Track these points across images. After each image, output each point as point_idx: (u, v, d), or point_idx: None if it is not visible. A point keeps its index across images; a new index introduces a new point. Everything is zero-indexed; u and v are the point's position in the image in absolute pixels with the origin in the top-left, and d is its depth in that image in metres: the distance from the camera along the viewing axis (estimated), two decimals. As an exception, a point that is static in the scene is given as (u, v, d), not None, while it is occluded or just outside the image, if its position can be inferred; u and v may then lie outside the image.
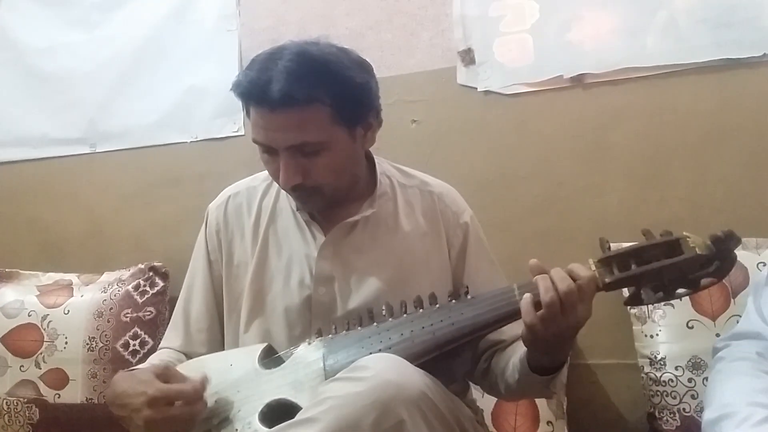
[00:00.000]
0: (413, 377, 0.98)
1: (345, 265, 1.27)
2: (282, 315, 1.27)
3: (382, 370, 0.96)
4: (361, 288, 1.25)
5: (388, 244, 1.29)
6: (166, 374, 1.12)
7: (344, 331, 1.15)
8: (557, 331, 1.03)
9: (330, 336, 1.15)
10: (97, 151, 2.32)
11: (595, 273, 1.04)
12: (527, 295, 1.04)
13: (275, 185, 1.36)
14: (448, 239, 1.32)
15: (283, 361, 1.15)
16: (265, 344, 1.20)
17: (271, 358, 1.18)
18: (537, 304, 1.03)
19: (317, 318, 1.25)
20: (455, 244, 1.32)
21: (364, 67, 1.23)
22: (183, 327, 1.37)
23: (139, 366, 1.26)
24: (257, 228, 1.34)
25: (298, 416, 0.98)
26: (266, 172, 1.35)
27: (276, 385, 1.10)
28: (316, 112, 1.14)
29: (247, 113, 1.22)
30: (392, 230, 1.30)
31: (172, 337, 1.38)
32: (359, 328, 1.14)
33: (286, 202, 1.34)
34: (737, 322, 1.53)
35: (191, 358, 1.32)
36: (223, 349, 1.35)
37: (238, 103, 2.08)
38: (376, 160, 1.36)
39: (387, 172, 1.37)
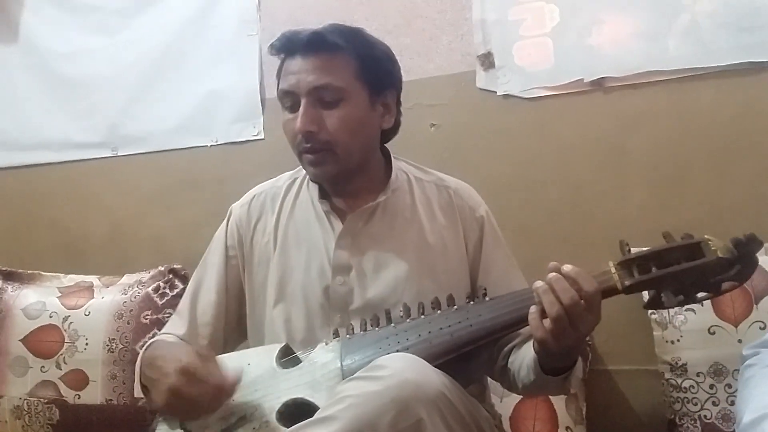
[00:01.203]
0: (431, 377, 0.97)
1: (362, 254, 1.29)
2: (303, 305, 1.28)
3: (401, 369, 0.96)
4: (378, 278, 1.27)
5: (405, 235, 1.30)
6: (207, 356, 1.11)
7: (361, 332, 1.15)
8: (569, 343, 1.02)
9: (348, 336, 1.16)
10: (118, 154, 2.35)
11: (614, 277, 1.03)
12: (533, 309, 1.03)
13: (297, 182, 1.40)
14: (465, 233, 1.33)
15: (301, 361, 1.16)
16: (283, 344, 1.21)
17: (288, 357, 1.18)
18: (543, 313, 1.02)
19: (335, 308, 1.26)
20: (472, 237, 1.33)
21: (391, 53, 1.35)
22: (188, 317, 1.37)
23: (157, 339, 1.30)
24: (278, 223, 1.36)
25: (317, 415, 0.98)
26: (291, 172, 1.42)
27: (293, 385, 1.11)
28: (342, 60, 1.25)
29: (279, 76, 1.30)
30: (409, 221, 1.32)
31: (177, 325, 1.38)
32: (376, 329, 1.14)
33: (307, 195, 1.37)
34: (760, 329, 1.52)
35: None
36: (226, 344, 1.37)
37: (258, 107, 2.18)
38: (392, 157, 1.39)
39: (403, 167, 1.40)
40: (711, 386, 1.57)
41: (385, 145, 1.40)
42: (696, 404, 1.58)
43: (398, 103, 1.36)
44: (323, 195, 1.34)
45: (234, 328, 1.39)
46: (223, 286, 1.38)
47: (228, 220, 1.42)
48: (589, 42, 1.88)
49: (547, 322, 1.02)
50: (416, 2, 2.06)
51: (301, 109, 1.23)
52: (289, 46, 1.28)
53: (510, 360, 1.25)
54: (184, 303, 1.40)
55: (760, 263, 1.06)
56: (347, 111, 1.24)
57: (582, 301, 1.00)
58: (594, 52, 1.88)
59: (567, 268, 1.03)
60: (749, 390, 1.17)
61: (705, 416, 1.56)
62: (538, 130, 1.93)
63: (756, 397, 1.13)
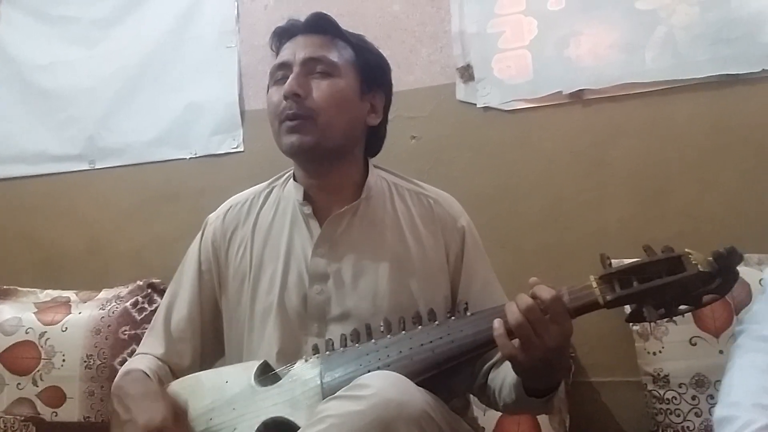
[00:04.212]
0: (414, 395, 0.96)
1: (340, 262, 1.26)
2: (280, 313, 1.25)
3: (383, 388, 0.95)
4: (357, 287, 1.24)
5: (384, 242, 1.28)
6: (179, 413, 1.09)
7: (341, 348, 1.13)
8: (541, 356, 1.01)
9: (327, 353, 1.13)
10: (96, 167, 2.33)
11: (595, 292, 1.03)
12: (497, 323, 1.03)
13: (275, 190, 1.37)
14: (446, 243, 1.31)
15: (280, 379, 1.13)
16: (262, 361, 1.18)
17: (267, 375, 1.16)
18: (510, 332, 1.02)
19: (312, 317, 1.24)
20: (453, 248, 1.31)
21: (386, 61, 1.37)
22: (164, 334, 1.34)
23: (142, 369, 1.25)
24: (255, 233, 1.33)
25: None
26: (268, 181, 1.40)
27: (272, 403, 1.09)
28: (340, 46, 1.29)
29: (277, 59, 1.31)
30: (389, 228, 1.29)
31: (153, 344, 1.34)
32: (357, 345, 1.12)
33: (286, 201, 1.34)
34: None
35: (172, 368, 1.31)
36: (204, 361, 1.34)
37: (238, 119, 2.18)
38: (370, 163, 1.37)
39: (382, 175, 1.38)
40: (693, 397, 1.57)
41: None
42: (679, 415, 1.58)
43: (386, 111, 1.35)
44: (305, 197, 1.30)
45: (211, 343, 1.35)
46: (197, 301, 1.34)
47: (203, 233, 1.39)
48: (568, 54, 1.89)
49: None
50: (396, 15, 2.07)
51: (292, 74, 1.23)
52: (291, 29, 1.31)
53: (490, 377, 1.24)
54: (158, 319, 1.37)
55: (740, 275, 1.06)
56: (337, 85, 1.24)
57: (540, 306, 1.00)
58: (572, 64, 1.89)
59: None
60: (727, 377, 1.17)
61: (688, 427, 1.56)
62: (518, 143, 1.93)
63: (726, 390, 1.14)
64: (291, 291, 1.26)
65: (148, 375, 1.23)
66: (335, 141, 1.25)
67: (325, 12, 1.30)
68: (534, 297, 1.02)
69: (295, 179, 1.34)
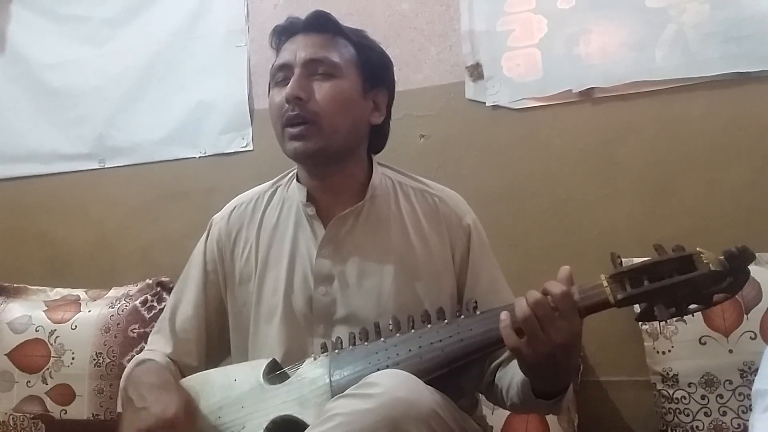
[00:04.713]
0: (423, 394, 0.96)
1: (345, 263, 1.25)
2: (285, 315, 1.25)
3: (392, 387, 0.94)
4: (362, 288, 1.24)
5: (389, 243, 1.27)
6: (190, 408, 1.09)
7: (350, 347, 1.13)
8: (546, 352, 1.00)
9: (336, 351, 1.13)
10: (105, 166, 2.34)
11: (606, 291, 1.02)
12: (504, 315, 1.03)
13: (279, 189, 1.37)
14: (452, 242, 1.30)
15: (288, 377, 1.13)
16: (270, 359, 1.18)
17: (276, 373, 1.16)
18: (518, 330, 1.01)
19: (318, 318, 1.24)
20: (459, 247, 1.30)
21: (388, 58, 1.35)
22: (170, 335, 1.34)
23: (156, 359, 1.26)
24: (260, 234, 1.33)
25: None
26: (272, 180, 1.39)
27: (281, 401, 1.08)
28: (341, 44, 1.27)
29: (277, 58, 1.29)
30: (393, 228, 1.28)
31: (160, 343, 1.34)
32: (365, 343, 1.12)
33: (290, 202, 1.33)
34: (750, 339, 1.52)
35: (180, 367, 1.31)
36: (210, 360, 1.34)
37: (247, 118, 2.18)
38: (376, 162, 1.36)
39: (387, 173, 1.36)
40: (702, 397, 1.57)
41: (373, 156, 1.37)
42: (688, 415, 1.57)
43: (389, 108, 1.34)
44: (309, 198, 1.30)
45: (216, 344, 1.35)
46: (202, 302, 1.34)
47: (208, 234, 1.39)
48: (577, 52, 1.89)
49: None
50: (405, 13, 2.07)
51: (294, 77, 1.21)
52: (291, 28, 1.29)
53: (498, 376, 1.24)
54: (164, 319, 1.37)
55: (750, 274, 1.06)
56: (340, 86, 1.23)
57: (550, 302, 0.99)
58: (582, 62, 1.88)
59: None
60: None
61: (697, 427, 1.56)
62: (527, 141, 1.93)
63: (765, 363, 1.14)
64: (296, 292, 1.26)
65: (162, 365, 1.24)
66: (339, 143, 1.24)
67: (331, 11, 1.28)
68: (544, 292, 1.01)
69: (298, 180, 1.33)
